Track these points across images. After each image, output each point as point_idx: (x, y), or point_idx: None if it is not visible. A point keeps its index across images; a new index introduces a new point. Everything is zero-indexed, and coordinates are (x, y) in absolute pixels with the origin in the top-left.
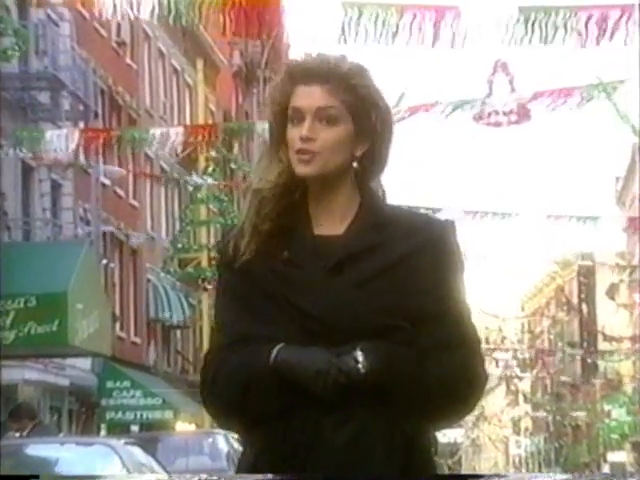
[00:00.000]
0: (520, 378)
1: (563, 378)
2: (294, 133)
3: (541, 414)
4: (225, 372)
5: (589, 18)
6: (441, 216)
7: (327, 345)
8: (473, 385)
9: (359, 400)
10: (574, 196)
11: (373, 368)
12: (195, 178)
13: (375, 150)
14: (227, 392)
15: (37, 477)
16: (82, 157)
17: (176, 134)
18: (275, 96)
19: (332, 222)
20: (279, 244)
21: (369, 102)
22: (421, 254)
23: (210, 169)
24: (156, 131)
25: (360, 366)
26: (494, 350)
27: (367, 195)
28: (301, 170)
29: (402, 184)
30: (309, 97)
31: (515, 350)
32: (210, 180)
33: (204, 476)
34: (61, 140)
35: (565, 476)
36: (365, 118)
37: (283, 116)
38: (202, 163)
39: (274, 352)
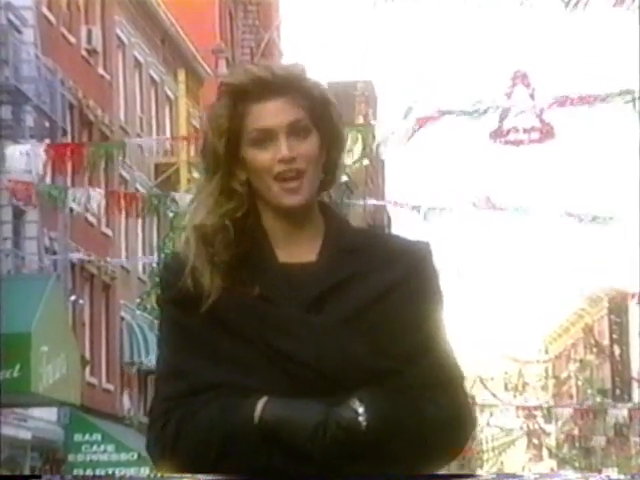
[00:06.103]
0: (544, 430)
1: (593, 430)
2: (264, 156)
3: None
4: (194, 430)
5: None
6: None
7: (315, 394)
8: (467, 423)
9: (357, 456)
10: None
11: (374, 420)
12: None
13: (337, 154)
14: (198, 453)
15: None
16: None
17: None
18: (220, 122)
19: (297, 247)
20: (242, 276)
21: (325, 102)
22: (405, 283)
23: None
24: (132, 142)
25: (361, 419)
26: (514, 398)
27: (329, 214)
28: (289, 201)
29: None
30: (275, 114)
31: (538, 398)
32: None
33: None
34: (24, 158)
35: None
36: (326, 121)
37: (234, 143)
38: (183, 185)
39: (259, 407)
